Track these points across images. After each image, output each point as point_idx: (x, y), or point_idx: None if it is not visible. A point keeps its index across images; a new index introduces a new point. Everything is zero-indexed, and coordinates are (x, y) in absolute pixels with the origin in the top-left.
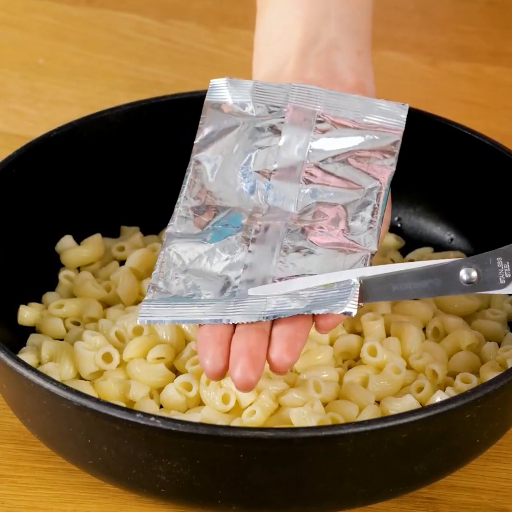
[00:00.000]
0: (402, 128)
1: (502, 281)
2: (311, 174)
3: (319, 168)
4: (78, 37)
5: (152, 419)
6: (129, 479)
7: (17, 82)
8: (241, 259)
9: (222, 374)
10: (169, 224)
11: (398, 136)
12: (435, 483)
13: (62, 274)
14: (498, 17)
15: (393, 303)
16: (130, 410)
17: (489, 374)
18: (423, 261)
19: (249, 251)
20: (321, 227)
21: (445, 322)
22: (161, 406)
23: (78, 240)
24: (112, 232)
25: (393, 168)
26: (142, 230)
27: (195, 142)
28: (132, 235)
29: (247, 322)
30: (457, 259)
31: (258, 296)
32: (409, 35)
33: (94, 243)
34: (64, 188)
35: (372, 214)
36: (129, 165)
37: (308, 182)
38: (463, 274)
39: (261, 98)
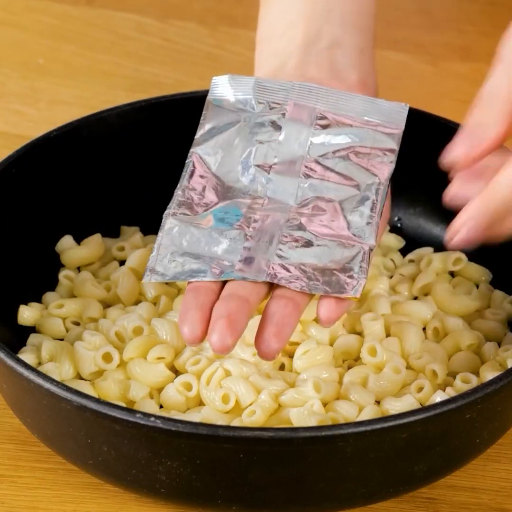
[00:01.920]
0: (402, 127)
1: None
2: (311, 169)
3: (319, 163)
4: (78, 37)
5: (152, 419)
6: (129, 479)
7: (17, 82)
8: (239, 245)
9: (199, 339)
10: (168, 207)
11: (398, 135)
12: (435, 483)
13: (62, 274)
14: (498, 17)
15: (393, 303)
16: (130, 410)
17: (489, 374)
18: None
19: (248, 239)
20: (321, 220)
21: (445, 322)
22: (161, 406)
23: (78, 240)
24: (112, 232)
25: (393, 165)
26: (142, 230)
27: (195, 137)
28: (132, 235)
29: (233, 292)
30: None
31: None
32: (409, 35)
33: (94, 243)
34: (64, 188)
35: (371, 209)
36: (129, 165)
37: (307, 176)
38: None
39: (263, 95)
